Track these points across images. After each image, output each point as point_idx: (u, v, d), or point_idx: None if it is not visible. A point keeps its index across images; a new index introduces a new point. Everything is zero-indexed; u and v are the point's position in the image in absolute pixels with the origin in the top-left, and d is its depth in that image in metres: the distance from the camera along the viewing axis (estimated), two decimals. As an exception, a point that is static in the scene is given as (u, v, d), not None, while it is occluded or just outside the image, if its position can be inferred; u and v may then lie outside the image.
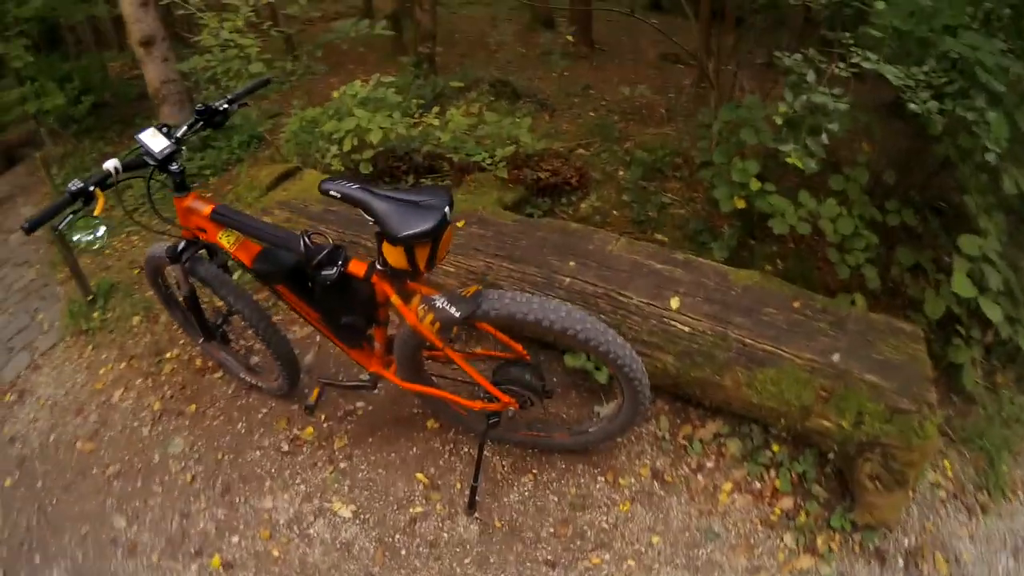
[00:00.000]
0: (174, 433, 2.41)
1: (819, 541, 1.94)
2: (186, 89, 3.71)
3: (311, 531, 2.05)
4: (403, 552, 1.96)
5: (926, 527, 2.01)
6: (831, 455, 2.00)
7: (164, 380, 2.60)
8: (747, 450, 2.13)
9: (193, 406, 2.47)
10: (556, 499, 2.04)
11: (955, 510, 2.07)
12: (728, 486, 2.07)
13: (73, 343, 2.94)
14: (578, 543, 1.95)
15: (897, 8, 2.23)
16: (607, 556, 1.92)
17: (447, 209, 1.47)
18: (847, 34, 2.06)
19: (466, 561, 1.93)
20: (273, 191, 2.65)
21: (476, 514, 2.01)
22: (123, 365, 2.72)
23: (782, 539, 1.95)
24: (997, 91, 2.00)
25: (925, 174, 2.66)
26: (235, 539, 2.08)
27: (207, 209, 1.79)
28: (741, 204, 2.47)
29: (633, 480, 2.08)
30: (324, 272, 1.62)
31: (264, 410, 2.40)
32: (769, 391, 1.94)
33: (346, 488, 2.13)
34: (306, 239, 1.64)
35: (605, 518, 2.00)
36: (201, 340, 2.31)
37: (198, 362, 2.62)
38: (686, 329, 1.99)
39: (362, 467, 2.18)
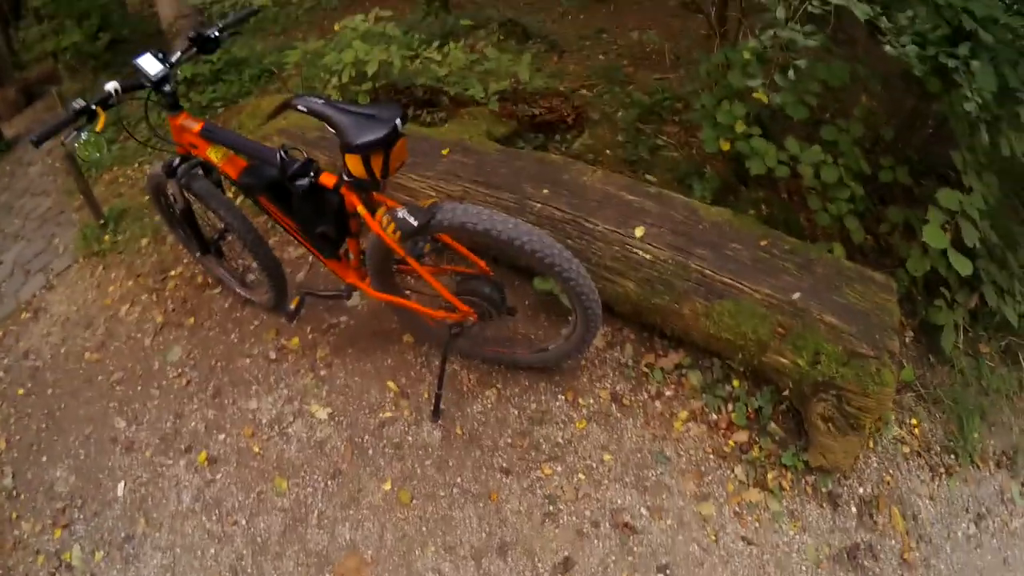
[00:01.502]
0: (173, 343, 2.76)
1: (769, 477, 2.14)
2: (199, 24, 4.03)
3: (290, 430, 2.37)
4: (370, 451, 2.27)
5: (884, 479, 2.17)
6: (787, 393, 2.18)
7: (167, 295, 2.96)
8: (706, 382, 2.33)
9: (192, 319, 2.82)
10: (516, 413, 2.30)
11: (917, 468, 2.22)
12: (684, 415, 2.28)
13: (85, 264, 3.33)
14: (533, 454, 2.21)
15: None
16: (559, 468, 2.17)
17: (398, 121, 1.71)
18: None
19: (427, 463, 2.22)
20: (274, 120, 2.95)
21: (440, 421, 2.29)
22: (130, 283, 3.09)
23: (733, 471, 2.16)
24: (985, 41, 2.09)
25: (926, 134, 2.76)
26: (221, 436, 2.43)
27: (197, 127, 2.09)
28: (726, 146, 2.61)
29: (592, 401, 2.32)
30: (298, 182, 1.90)
31: (256, 322, 2.72)
32: (726, 323, 2.12)
33: (324, 393, 2.44)
34: (282, 153, 1.92)
35: (561, 434, 2.25)
36: (198, 254, 2.63)
37: (199, 279, 2.96)
38: (648, 257, 2.19)
39: (340, 375, 2.48)
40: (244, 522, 2.19)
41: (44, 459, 2.58)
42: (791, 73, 2.22)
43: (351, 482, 2.22)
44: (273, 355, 2.59)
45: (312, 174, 1.91)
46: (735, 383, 2.31)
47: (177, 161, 2.20)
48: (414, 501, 2.14)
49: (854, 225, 2.55)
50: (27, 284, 3.31)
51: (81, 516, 2.36)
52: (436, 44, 3.04)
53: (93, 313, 3.02)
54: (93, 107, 1.88)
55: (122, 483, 2.40)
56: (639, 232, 2.23)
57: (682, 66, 3.50)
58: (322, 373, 2.50)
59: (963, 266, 2.21)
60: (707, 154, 2.92)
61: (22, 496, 2.49)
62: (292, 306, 2.30)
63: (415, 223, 1.81)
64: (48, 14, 4.89)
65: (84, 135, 1.85)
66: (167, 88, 2.02)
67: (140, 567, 2.17)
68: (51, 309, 3.14)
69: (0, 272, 3.51)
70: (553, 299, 2.38)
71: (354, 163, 1.75)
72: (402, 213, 1.84)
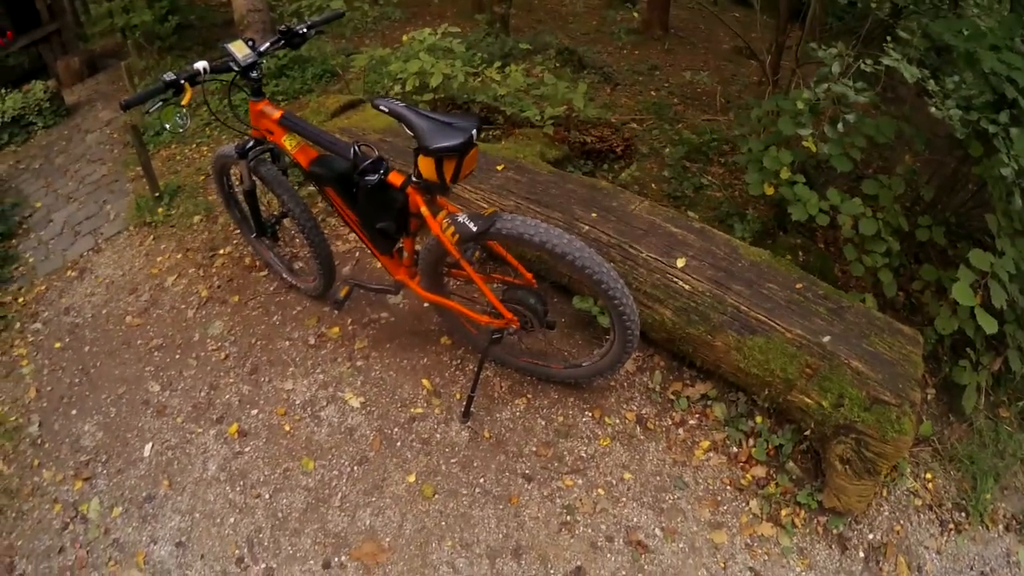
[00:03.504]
0: (216, 318, 2.91)
1: (783, 513, 2.23)
2: (270, 19, 4.27)
3: (321, 414, 2.50)
4: (398, 444, 2.39)
5: (894, 528, 2.26)
6: (808, 432, 2.28)
7: (214, 272, 3.12)
8: (730, 415, 2.44)
9: (236, 297, 2.97)
10: (543, 423, 2.42)
11: (928, 521, 2.30)
12: (706, 444, 2.39)
13: (136, 232, 3.52)
14: (555, 465, 2.32)
15: (948, 23, 2.50)
16: (580, 481, 2.28)
17: (474, 131, 1.87)
18: (888, 37, 2.35)
19: (452, 461, 2.33)
20: (337, 118, 3.13)
21: (469, 423, 2.41)
22: (179, 256, 3.26)
23: (748, 503, 2.26)
24: (1025, 110, 2.24)
25: (965, 197, 2.89)
26: (254, 412, 2.56)
27: (277, 114, 2.27)
28: (770, 191, 2.76)
29: (618, 421, 2.43)
30: (368, 177, 2.05)
31: (299, 308, 2.87)
32: (756, 358, 2.25)
33: (359, 383, 2.57)
34: (356, 148, 2.08)
35: (585, 448, 2.36)
36: (253, 235, 2.79)
37: (247, 260, 3.13)
38: (687, 287, 2.33)
39: (376, 367, 2.61)
40: (267, 496, 2.30)
41: (73, 412, 2.70)
42: (840, 126, 2.36)
43: (377, 470, 2.33)
44: (312, 341, 2.73)
45: (382, 171, 2.06)
46: (758, 419, 2.41)
47: (251, 144, 2.36)
48: (436, 496, 2.25)
49: (888, 279, 2.66)
50: (75, 244, 3.49)
51: (104, 471, 2.47)
52: (497, 64, 3.22)
53: (139, 280, 3.18)
54: (182, 81, 2.04)
55: (150, 444, 2.52)
56: (680, 263, 2.37)
57: (732, 109, 3.67)
58: (359, 364, 2.63)
59: (989, 324, 2.30)
60: (749, 197, 3.07)
61: (47, 445, 2.61)
62: (341, 295, 2.44)
63: (475, 229, 1.95)
64: (120, -9, 5.18)
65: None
66: (254, 74, 2.19)
67: (157, 527, 2.28)
68: (97, 271, 3.31)
69: (50, 230, 3.70)
70: (590, 319, 2.51)
71: (427, 166, 1.90)
72: (463, 218, 1.99)
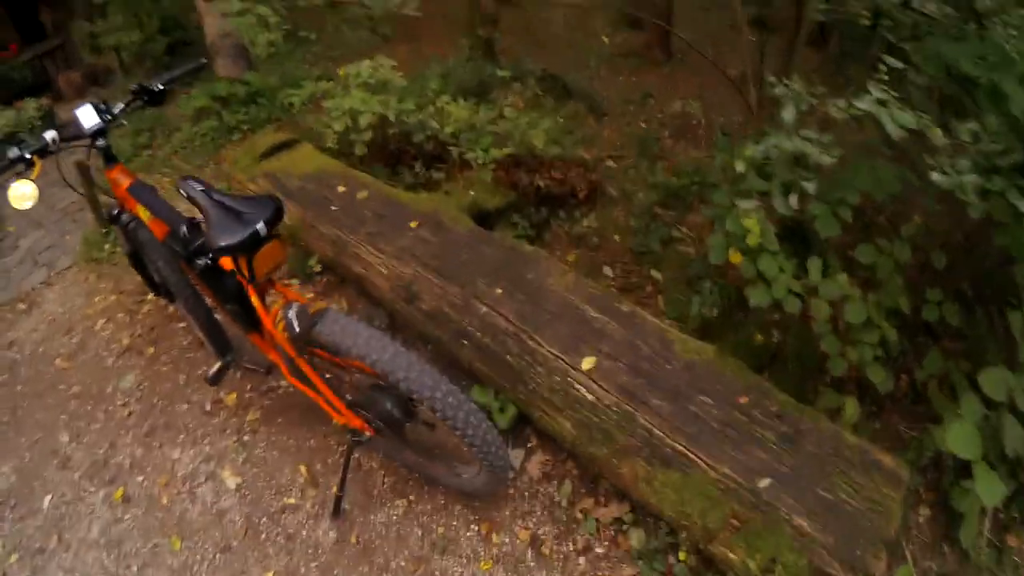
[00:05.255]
0: (130, 370, 2.75)
1: None
2: (242, 45, 4.01)
3: (198, 490, 2.27)
4: (263, 536, 2.12)
5: None
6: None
7: (139, 319, 2.97)
8: (647, 547, 1.96)
9: (152, 348, 2.80)
10: (420, 533, 2.05)
11: None
12: (610, 580, 1.93)
13: (83, 268, 3.44)
14: (424, 587, 1.94)
15: (964, 48, 1.87)
16: (448, 610, 1.90)
17: (260, 225, 1.52)
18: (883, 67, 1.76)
19: (312, 564, 2.03)
20: (266, 159, 2.84)
21: (340, 520, 2.08)
22: (113, 298, 3.14)
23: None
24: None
25: (986, 267, 2.22)
26: (140, 478, 2.37)
27: (126, 183, 2.04)
28: (736, 259, 2.20)
29: (507, 540, 2.02)
30: (198, 261, 1.75)
31: (204, 367, 2.65)
32: (668, 498, 1.76)
33: (240, 460, 2.32)
34: (185, 228, 1.77)
35: (462, 571, 1.97)
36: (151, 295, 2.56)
37: (170, 309, 2.93)
38: (590, 397, 1.87)
39: (261, 444, 2.36)
40: (135, 569, 2.11)
41: (-6, 453, 2.62)
42: (793, 199, 1.80)
43: (237, 562, 2.07)
44: (208, 407, 2.51)
45: (211, 254, 1.74)
46: (681, 556, 1.92)
47: (117, 210, 2.13)
48: (289, 604, 1.94)
49: (880, 376, 2.07)
50: (32, 275, 3.46)
51: (10, 516, 2.36)
52: (446, 98, 2.82)
53: (75, 320, 3.08)
54: (28, 156, 1.84)
55: (49, 496, 2.39)
56: (587, 364, 1.90)
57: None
58: (245, 438, 2.38)
59: (991, 493, 1.70)
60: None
61: (-34, 482, 2.53)
62: (212, 372, 2.15)
63: (297, 330, 1.61)
64: (115, 12, 5.08)
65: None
66: (101, 142, 1.98)
67: (42, 581, 2.15)
68: (44, 306, 3.25)
69: (14, 256, 3.69)
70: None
71: (225, 261, 1.58)
72: (292, 314, 1.66)
